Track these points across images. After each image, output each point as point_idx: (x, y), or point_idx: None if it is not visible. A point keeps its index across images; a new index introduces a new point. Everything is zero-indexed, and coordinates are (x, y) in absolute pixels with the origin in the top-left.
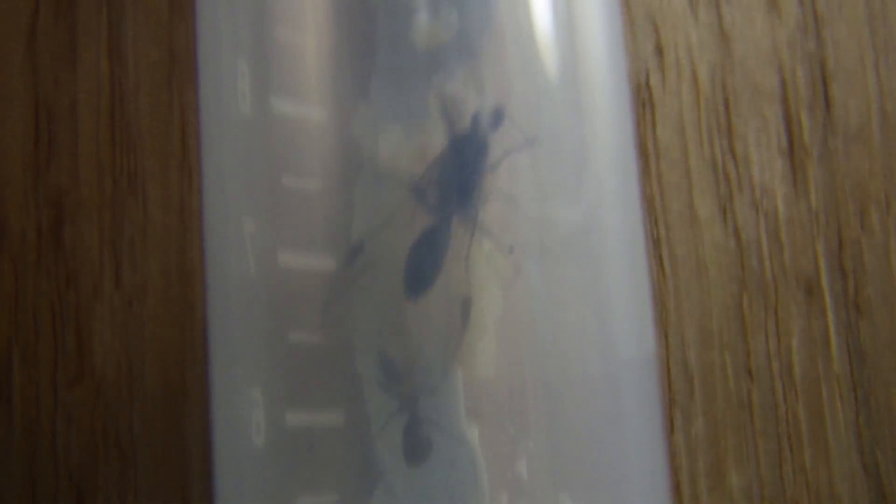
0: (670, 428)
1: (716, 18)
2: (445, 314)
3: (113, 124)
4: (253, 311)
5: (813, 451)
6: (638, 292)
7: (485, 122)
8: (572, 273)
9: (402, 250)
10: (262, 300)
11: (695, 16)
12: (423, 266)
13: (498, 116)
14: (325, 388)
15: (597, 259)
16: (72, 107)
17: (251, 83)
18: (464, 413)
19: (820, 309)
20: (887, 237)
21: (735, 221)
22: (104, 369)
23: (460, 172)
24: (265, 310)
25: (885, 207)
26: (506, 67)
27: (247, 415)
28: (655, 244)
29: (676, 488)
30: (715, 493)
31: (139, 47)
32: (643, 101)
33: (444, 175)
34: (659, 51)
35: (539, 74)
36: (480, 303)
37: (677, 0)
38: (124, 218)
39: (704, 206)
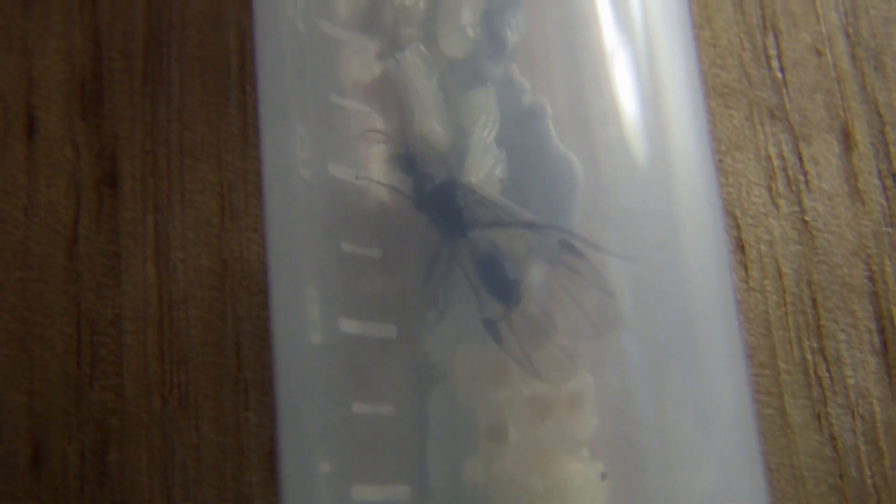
0: None
1: (797, 209)
2: None
3: (161, 337)
4: None
5: None
6: None
7: None
8: None
9: None
10: None
11: (776, 207)
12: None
13: None
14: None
15: None
16: (116, 319)
17: (321, 309)
18: None
19: None
20: None
21: (830, 427)
22: None
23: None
24: None
25: None
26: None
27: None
28: None
29: None
30: None
31: (188, 253)
32: None
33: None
34: (741, 246)
35: None
36: None
37: (757, 190)
38: (175, 440)
39: (797, 412)
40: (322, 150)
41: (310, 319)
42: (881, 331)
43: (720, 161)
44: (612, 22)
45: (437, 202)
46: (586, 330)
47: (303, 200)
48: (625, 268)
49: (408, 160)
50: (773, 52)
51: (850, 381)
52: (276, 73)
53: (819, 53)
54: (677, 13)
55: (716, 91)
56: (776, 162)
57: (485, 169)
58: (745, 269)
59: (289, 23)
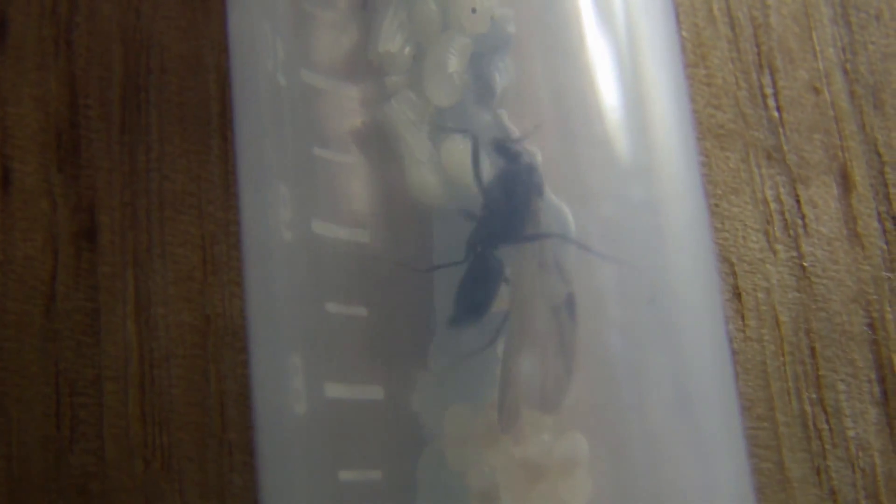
0: None
1: (795, 255)
2: None
3: (143, 397)
4: None
5: None
6: None
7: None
8: None
9: None
10: None
11: (773, 253)
12: (473, 298)
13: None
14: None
15: None
16: (96, 379)
17: (305, 375)
18: None
19: None
20: None
21: (830, 481)
22: None
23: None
24: None
25: None
26: None
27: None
28: None
29: None
30: None
31: (170, 308)
32: None
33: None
34: (737, 294)
35: None
36: None
37: (754, 235)
38: None
39: (796, 465)
40: (305, 208)
41: (293, 387)
42: (881, 380)
43: (716, 205)
44: (603, 64)
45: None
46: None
47: (285, 262)
48: (621, 328)
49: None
50: (769, 90)
51: (851, 433)
52: (255, 129)
53: (816, 91)
54: (669, 53)
55: (711, 132)
56: (773, 205)
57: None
58: (742, 317)
59: (267, 75)
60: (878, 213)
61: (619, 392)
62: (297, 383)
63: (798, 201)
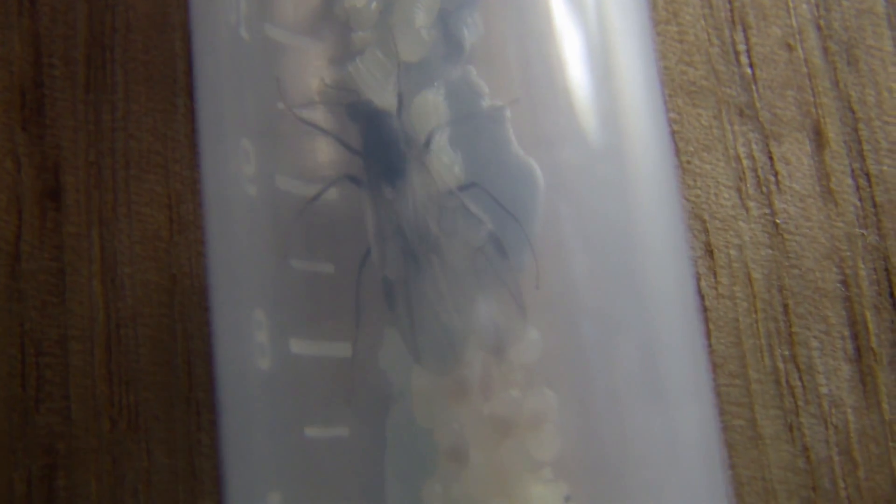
0: None
1: (768, 212)
2: None
3: (109, 357)
4: None
5: None
6: None
7: None
8: None
9: None
10: None
11: (746, 210)
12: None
13: None
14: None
15: None
16: (62, 339)
17: (269, 331)
18: None
19: None
20: None
21: (803, 438)
22: None
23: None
24: None
25: None
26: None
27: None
28: None
29: None
30: None
31: (136, 268)
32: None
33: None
34: (709, 251)
35: None
36: None
37: (726, 193)
38: (125, 463)
39: (768, 423)
40: (269, 164)
41: (257, 343)
42: (854, 337)
43: (687, 162)
44: (568, 18)
45: (377, 134)
46: (486, 335)
47: (248, 217)
48: (588, 283)
49: (356, 106)
50: (742, 47)
51: (823, 390)
52: (216, 84)
53: (790, 48)
54: (635, 8)
55: (683, 89)
56: (746, 162)
57: (442, 171)
58: (714, 274)
59: (230, 29)
60: (852, 170)
61: (587, 347)
62: (261, 338)
63: (771, 158)
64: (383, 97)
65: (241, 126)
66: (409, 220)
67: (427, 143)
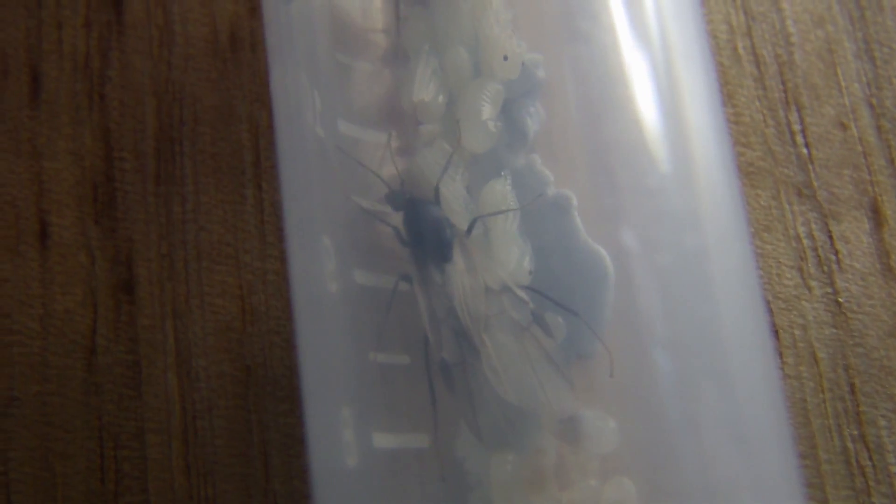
0: None
1: (830, 290)
2: None
3: (186, 449)
4: None
5: None
6: None
7: None
8: None
9: None
10: None
11: (808, 289)
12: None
13: None
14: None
15: None
16: (139, 432)
17: (355, 426)
18: None
19: None
20: None
21: None
22: None
23: None
24: None
25: None
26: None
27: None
28: None
29: None
30: None
31: (210, 360)
32: None
33: None
34: (774, 332)
35: None
36: None
37: (788, 273)
38: None
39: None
40: (348, 258)
41: (344, 440)
42: None
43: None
44: (634, 102)
45: (418, 222)
46: (536, 406)
47: (333, 313)
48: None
49: (400, 196)
50: (797, 127)
51: (894, 469)
52: (297, 182)
53: (844, 127)
54: (705, 90)
55: (741, 170)
56: (806, 242)
57: (512, 261)
58: (780, 355)
59: (307, 128)
60: None
61: (666, 436)
62: (348, 434)
63: (830, 237)
64: (451, 188)
65: (321, 222)
66: (459, 303)
67: (469, 230)
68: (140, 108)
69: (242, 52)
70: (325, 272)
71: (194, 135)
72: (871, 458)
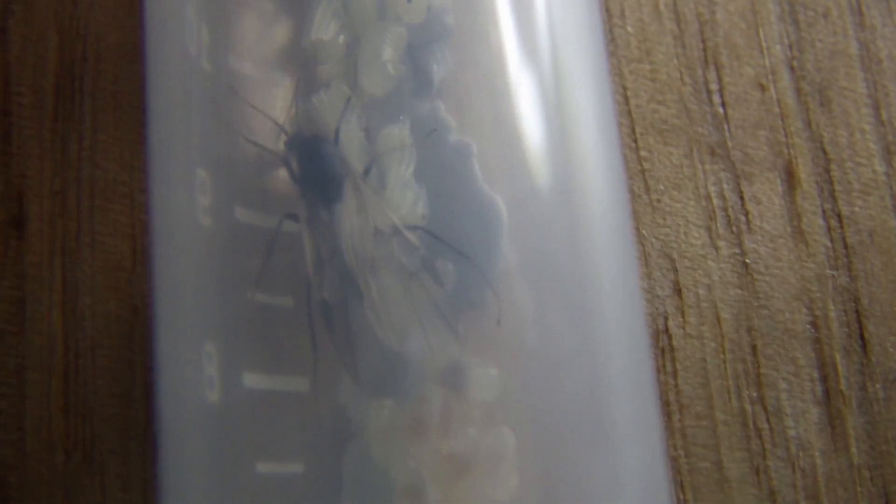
0: None
1: (738, 251)
2: None
3: (66, 388)
4: None
5: None
6: None
7: None
8: None
9: None
10: None
11: (715, 249)
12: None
13: None
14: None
15: None
16: (18, 369)
17: (220, 364)
18: None
19: None
20: None
21: (770, 482)
22: None
23: None
24: None
25: None
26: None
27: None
28: None
29: None
30: None
31: (97, 298)
32: (663, 349)
33: None
34: (678, 290)
35: None
36: None
37: (696, 232)
38: (79, 497)
39: (735, 465)
40: (228, 194)
41: (206, 376)
42: (824, 379)
43: (657, 201)
44: (523, 53)
45: (311, 158)
46: (418, 353)
47: (203, 248)
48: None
49: (297, 137)
50: (714, 86)
51: (791, 433)
52: (174, 114)
53: (762, 88)
54: (592, 43)
55: (654, 128)
56: (716, 202)
57: (406, 205)
58: (682, 314)
59: (190, 60)
60: (823, 211)
61: (542, 388)
62: (211, 371)
63: (741, 198)
64: (347, 130)
65: (201, 156)
66: (346, 243)
67: (367, 171)
68: (42, 43)
69: None
70: (196, 206)
71: (96, 72)
72: (768, 421)
